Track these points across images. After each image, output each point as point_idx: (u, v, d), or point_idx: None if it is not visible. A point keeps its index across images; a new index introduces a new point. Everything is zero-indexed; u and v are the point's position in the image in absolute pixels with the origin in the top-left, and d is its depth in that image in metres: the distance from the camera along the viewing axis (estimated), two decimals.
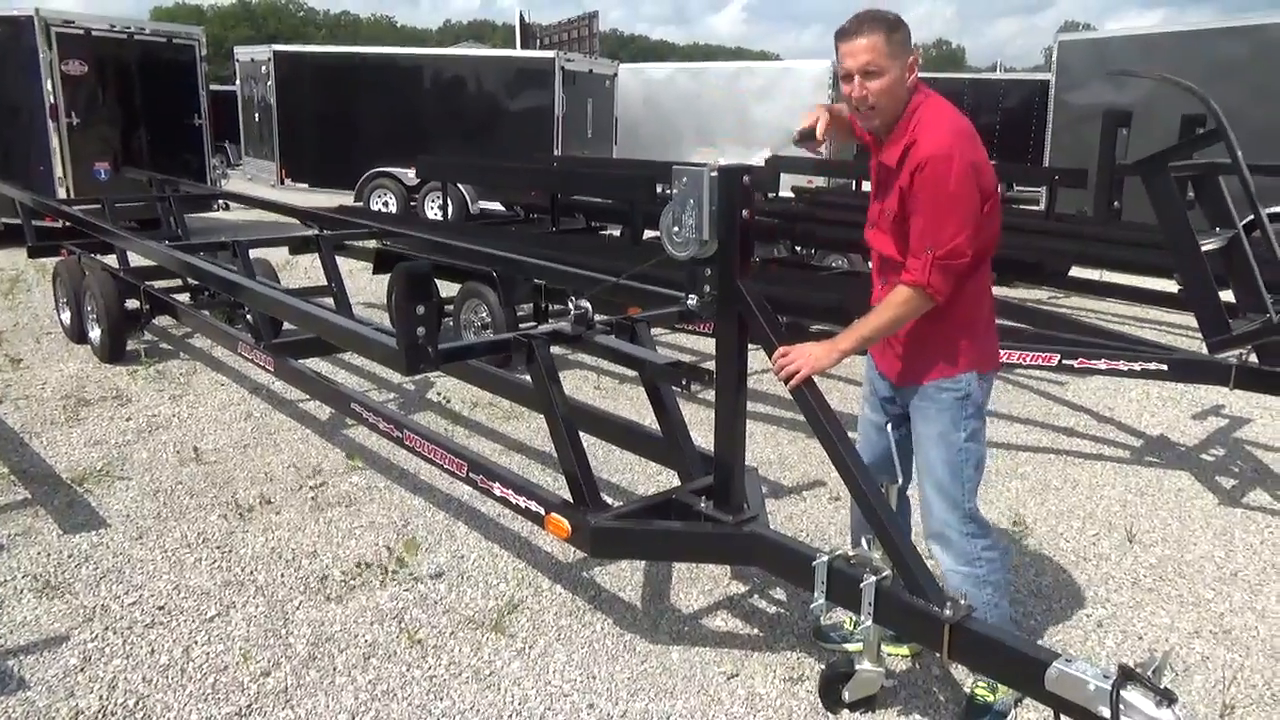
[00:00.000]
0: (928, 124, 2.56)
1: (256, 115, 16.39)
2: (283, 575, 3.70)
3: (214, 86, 16.03)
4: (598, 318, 3.52)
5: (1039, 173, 11.42)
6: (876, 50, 2.54)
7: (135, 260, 6.84)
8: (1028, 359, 4.74)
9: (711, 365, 2.99)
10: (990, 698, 2.84)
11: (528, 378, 3.44)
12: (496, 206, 12.09)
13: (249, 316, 5.46)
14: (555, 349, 3.38)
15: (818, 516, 4.33)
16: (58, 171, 11.24)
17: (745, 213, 2.71)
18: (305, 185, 15.30)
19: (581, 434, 3.28)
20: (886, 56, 2.54)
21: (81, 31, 11.40)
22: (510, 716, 2.88)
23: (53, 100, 11.14)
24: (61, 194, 10.92)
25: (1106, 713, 2.06)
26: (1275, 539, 4.18)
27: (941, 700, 2.98)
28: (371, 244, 6.83)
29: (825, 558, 2.66)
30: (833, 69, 9.43)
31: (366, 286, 8.62)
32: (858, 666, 2.83)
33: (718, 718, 2.89)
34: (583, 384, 6.29)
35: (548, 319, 6.28)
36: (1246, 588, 3.75)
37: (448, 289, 6.67)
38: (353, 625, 3.34)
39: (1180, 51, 10.95)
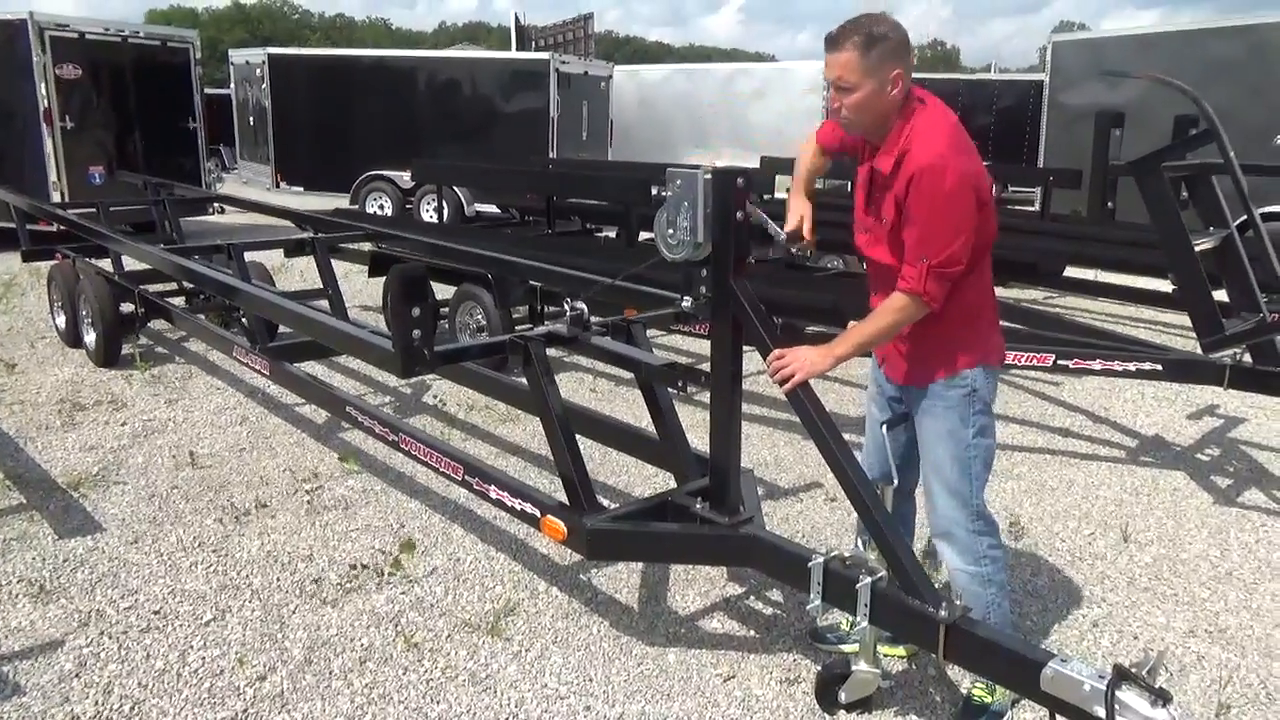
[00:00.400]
0: (922, 133, 2.55)
1: (251, 118, 16.38)
2: (278, 579, 3.69)
3: (209, 90, 15.98)
4: (593, 319, 3.51)
5: (1034, 173, 11.40)
6: (848, 67, 2.55)
7: (130, 264, 6.82)
8: (1023, 359, 4.74)
9: (707, 367, 2.99)
10: (988, 699, 2.84)
11: (523, 380, 3.44)
12: (492, 209, 12.08)
13: (244, 320, 5.47)
14: (551, 351, 3.38)
15: (814, 518, 4.33)
16: (52, 175, 11.22)
17: (740, 214, 2.72)
18: (300, 188, 15.28)
19: (577, 436, 3.28)
20: (859, 73, 2.54)
21: (75, 35, 11.37)
22: (506, 719, 2.88)
23: (47, 104, 11.12)
24: (56, 198, 10.88)
25: (1102, 713, 2.07)
26: (1270, 538, 4.19)
27: (938, 701, 2.98)
28: (367, 247, 6.82)
29: (821, 559, 2.67)
30: None
31: (362, 289, 8.62)
32: (854, 668, 2.83)
33: (714, 719, 2.89)
34: (578, 386, 6.30)
35: (543, 321, 6.27)
36: (1242, 587, 3.76)
37: (443, 291, 6.64)
38: (349, 629, 3.34)
39: (1175, 51, 10.96)
